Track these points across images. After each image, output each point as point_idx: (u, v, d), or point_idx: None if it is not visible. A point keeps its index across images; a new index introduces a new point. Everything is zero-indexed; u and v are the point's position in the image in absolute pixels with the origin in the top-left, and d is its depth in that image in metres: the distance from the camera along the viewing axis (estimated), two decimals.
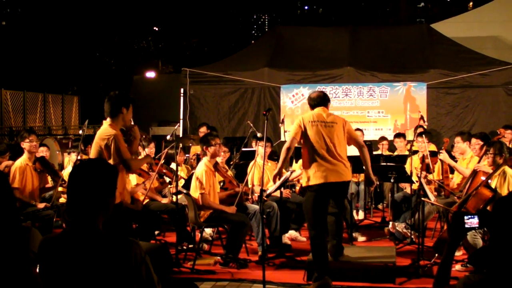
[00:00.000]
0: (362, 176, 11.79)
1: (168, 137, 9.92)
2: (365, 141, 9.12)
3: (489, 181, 8.18)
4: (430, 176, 10.41)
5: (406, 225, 9.97)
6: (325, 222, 7.77)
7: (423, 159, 10.52)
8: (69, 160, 11.86)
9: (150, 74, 29.60)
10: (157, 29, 46.52)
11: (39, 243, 3.62)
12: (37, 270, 3.65)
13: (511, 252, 3.26)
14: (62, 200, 10.85)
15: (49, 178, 10.47)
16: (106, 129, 6.93)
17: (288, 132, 8.41)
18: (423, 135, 10.74)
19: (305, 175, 7.77)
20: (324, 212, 7.76)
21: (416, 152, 11.22)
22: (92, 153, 7.03)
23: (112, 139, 6.80)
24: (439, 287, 3.63)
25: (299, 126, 7.78)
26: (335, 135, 7.72)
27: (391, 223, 10.32)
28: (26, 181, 9.67)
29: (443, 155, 10.14)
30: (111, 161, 6.77)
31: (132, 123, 7.27)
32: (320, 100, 7.98)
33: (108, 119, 7.03)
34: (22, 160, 9.74)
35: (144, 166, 9.98)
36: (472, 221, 3.63)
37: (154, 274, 3.58)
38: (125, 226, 6.97)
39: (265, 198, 9.64)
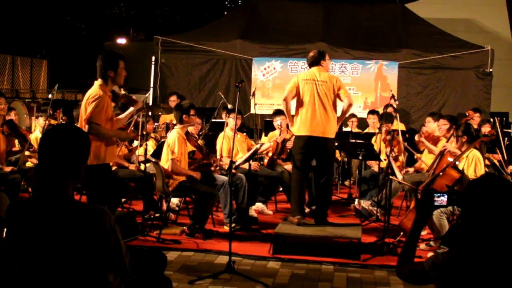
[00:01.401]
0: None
1: None
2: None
3: (457, 162, 8.26)
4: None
5: (372, 203, 10.04)
6: (305, 170, 8.78)
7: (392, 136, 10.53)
8: (37, 124, 11.73)
9: (121, 41, 29.36)
10: None
11: (7, 207, 3.57)
12: (4, 235, 3.60)
13: (480, 232, 3.28)
14: (29, 164, 10.72)
15: (16, 142, 10.34)
16: (94, 89, 7.00)
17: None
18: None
19: (295, 125, 8.67)
20: (306, 161, 8.71)
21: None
22: (81, 114, 7.02)
23: (94, 99, 6.85)
24: (403, 264, 3.65)
25: (294, 83, 8.63)
26: (325, 93, 8.49)
27: (357, 200, 10.40)
28: None
29: (423, 138, 10.21)
30: (84, 121, 6.86)
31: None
32: (314, 60, 8.82)
33: (99, 80, 7.06)
34: None
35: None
36: (441, 199, 3.65)
37: (123, 244, 3.56)
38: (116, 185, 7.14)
39: (234, 171, 9.63)
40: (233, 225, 8.68)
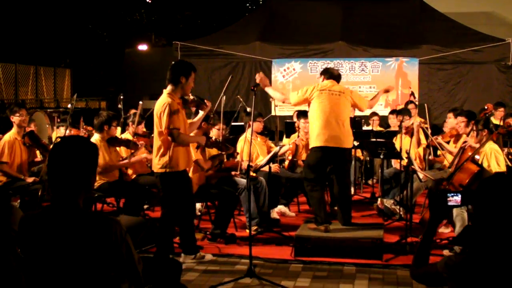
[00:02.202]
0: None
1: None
2: (355, 117, 9.39)
3: (476, 156, 8.18)
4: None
5: (394, 201, 9.96)
6: (322, 180, 8.65)
7: (411, 134, 10.44)
8: (58, 134, 11.78)
9: (143, 47, 29.45)
10: (150, 1, 46.20)
11: (20, 220, 3.58)
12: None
13: (493, 232, 3.23)
14: None
15: (38, 152, 10.41)
16: (162, 98, 7.23)
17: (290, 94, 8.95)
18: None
19: (310, 136, 8.57)
20: (322, 172, 8.56)
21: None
22: (155, 126, 7.27)
23: (164, 108, 7.07)
24: (418, 266, 3.61)
25: (304, 94, 8.54)
26: (340, 105, 8.39)
27: (379, 199, 10.33)
28: (15, 155, 9.60)
29: (440, 139, 10.15)
30: (162, 129, 7.11)
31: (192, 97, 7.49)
32: (336, 76, 8.73)
33: (168, 87, 7.29)
34: (11, 134, 9.66)
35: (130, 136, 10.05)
36: (455, 199, 3.60)
37: (135, 253, 3.56)
38: (187, 193, 7.45)
39: (253, 174, 9.63)
40: (253, 228, 8.70)
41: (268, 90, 8.83)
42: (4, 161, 9.40)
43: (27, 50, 32.36)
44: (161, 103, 7.16)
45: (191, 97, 7.56)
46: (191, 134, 7.90)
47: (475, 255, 3.22)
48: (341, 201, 8.71)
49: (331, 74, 8.70)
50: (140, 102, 11.00)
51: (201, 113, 7.81)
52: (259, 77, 8.40)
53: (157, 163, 7.28)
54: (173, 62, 7.49)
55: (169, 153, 7.18)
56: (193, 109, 8.27)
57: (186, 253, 7.65)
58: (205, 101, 7.79)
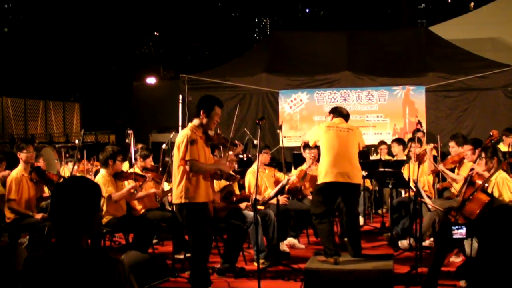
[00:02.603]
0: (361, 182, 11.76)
1: (163, 146, 9.89)
2: (364, 146, 9.43)
3: (486, 185, 8.13)
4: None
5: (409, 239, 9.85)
6: (330, 214, 8.60)
7: (419, 162, 10.41)
8: (66, 170, 11.79)
9: (151, 80, 29.54)
10: (158, 34, 46.50)
11: (23, 261, 3.57)
12: None
13: (497, 265, 3.19)
14: None
15: (46, 188, 10.40)
16: (184, 130, 7.37)
17: (304, 135, 9.14)
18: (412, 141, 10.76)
19: (319, 172, 8.58)
20: (330, 206, 8.59)
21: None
22: (174, 159, 7.33)
23: (183, 139, 7.12)
24: None
25: (315, 133, 8.73)
26: (349, 140, 8.50)
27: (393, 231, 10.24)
28: (23, 192, 9.61)
29: (441, 167, 10.15)
30: (181, 161, 7.12)
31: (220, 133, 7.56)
32: (344, 115, 8.84)
33: (193, 121, 7.39)
34: (18, 170, 9.69)
35: (138, 170, 10.06)
36: (460, 232, 3.57)
37: None
38: (204, 227, 7.33)
39: (261, 207, 9.61)
40: (261, 261, 8.67)
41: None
42: (12, 198, 9.42)
43: (36, 84, 32.59)
44: (181, 135, 7.23)
45: (213, 133, 7.57)
46: None
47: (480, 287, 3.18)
48: (350, 233, 8.69)
49: (340, 113, 8.82)
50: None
51: (230, 153, 7.83)
52: None
53: (176, 194, 7.28)
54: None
55: (187, 184, 7.17)
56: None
57: None
58: (236, 142, 7.77)
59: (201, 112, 7.30)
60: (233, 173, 9.09)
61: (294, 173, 11.28)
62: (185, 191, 7.17)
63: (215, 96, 7.72)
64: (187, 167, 7.11)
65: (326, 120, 9.00)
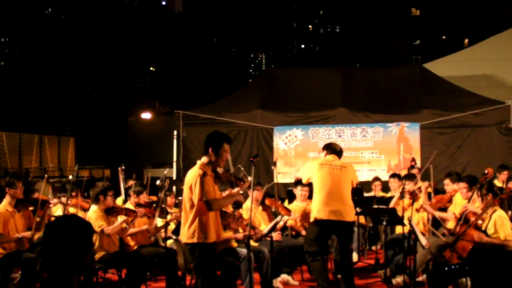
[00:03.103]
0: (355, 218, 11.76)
1: (157, 182, 9.90)
2: (356, 184, 9.46)
3: (480, 222, 8.15)
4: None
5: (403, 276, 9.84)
6: (323, 252, 8.82)
7: (413, 199, 10.43)
8: (59, 205, 11.71)
9: (146, 115, 29.58)
10: (153, 69, 46.70)
11: None
12: None
13: None
14: None
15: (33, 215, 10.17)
16: (194, 169, 7.25)
17: (299, 171, 9.22)
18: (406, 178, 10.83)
19: (312, 210, 8.77)
20: (323, 244, 8.87)
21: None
22: (184, 198, 7.28)
23: (196, 180, 7.05)
24: None
25: (310, 170, 8.85)
26: (342, 178, 8.63)
27: (393, 280, 10.21)
28: (9, 228, 9.51)
29: (426, 206, 10.21)
30: (194, 201, 7.06)
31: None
32: (334, 151, 9.02)
33: (202, 158, 7.31)
34: (2, 206, 9.59)
35: (132, 206, 10.07)
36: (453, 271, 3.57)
37: None
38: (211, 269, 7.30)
39: (254, 243, 9.60)
40: None
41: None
42: None
43: (31, 118, 32.63)
44: (193, 175, 7.14)
45: (222, 171, 7.55)
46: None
47: None
48: (343, 269, 8.70)
49: (333, 150, 8.97)
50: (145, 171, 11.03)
51: (236, 189, 7.81)
52: None
53: (187, 234, 7.22)
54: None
55: (200, 224, 7.13)
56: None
57: None
58: (244, 178, 7.78)
59: (210, 149, 7.25)
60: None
61: (291, 207, 11.27)
62: (199, 231, 7.12)
63: (222, 132, 7.67)
64: (207, 207, 7.04)
65: (320, 156, 9.06)
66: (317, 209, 8.49)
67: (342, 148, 9.21)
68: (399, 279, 9.85)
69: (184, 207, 7.37)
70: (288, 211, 10.81)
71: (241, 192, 7.70)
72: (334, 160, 8.70)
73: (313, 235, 8.57)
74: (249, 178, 8.36)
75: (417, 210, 10.53)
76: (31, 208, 9.88)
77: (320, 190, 8.49)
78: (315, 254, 8.49)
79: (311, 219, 8.67)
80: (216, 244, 7.48)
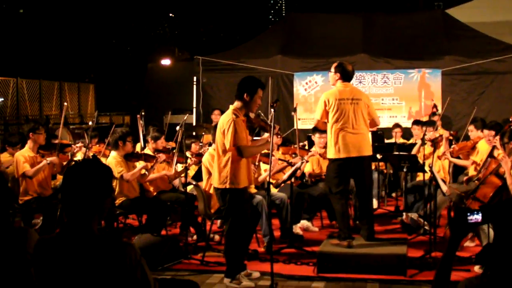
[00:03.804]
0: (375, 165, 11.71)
1: (177, 128, 9.85)
2: (378, 129, 9.31)
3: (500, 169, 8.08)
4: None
5: (419, 215, 9.85)
6: (345, 192, 8.53)
7: (434, 146, 10.31)
8: (79, 152, 11.73)
9: (165, 62, 29.49)
10: (173, 15, 46.41)
11: (35, 244, 3.56)
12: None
13: None
14: None
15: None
16: (227, 114, 7.27)
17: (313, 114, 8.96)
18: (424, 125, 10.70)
19: (328, 147, 8.45)
20: (344, 183, 8.43)
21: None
22: (217, 141, 7.32)
23: (229, 125, 7.08)
24: (438, 285, 3.51)
25: (324, 107, 8.36)
26: (359, 111, 8.31)
27: (404, 214, 10.21)
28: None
29: (447, 153, 10.13)
30: (226, 146, 7.12)
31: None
32: (348, 76, 8.53)
33: (235, 103, 7.35)
34: (25, 151, 9.64)
35: (150, 152, 10.05)
36: (476, 217, 3.51)
37: (151, 276, 3.51)
38: (244, 213, 7.38)
39: (276, 189, 9.60)
40: (264, 244, 8.89)
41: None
42: (29, 174, 9.37)
43: (51, 66, 32.59)
44: (226, 120, 7.17)
45: (254, 116, 7.52)
46: None
47: (497, 277, 3.14)
48: (363, 215, 8.64)
49: (347, 75, 8.54)
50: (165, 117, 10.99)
51: (265, 135, 7.78)
52: None
53: (218, 179, 7.28)
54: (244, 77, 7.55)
55: (232, 169, 7.18)
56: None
57: (225, 275, 7.56)
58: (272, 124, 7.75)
59: (245, 94, 7.27)
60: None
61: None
62: (231, 177, 7.18)
63: (256, 78, 7.69)
64: (238, 153, 7.09)
65: (330, 75, 8.75)
66: (334, 146, 8.31)
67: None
68: (412, 215, 9.84)
69: (216, 152, 7.37)
70: (307, 151, 10.76)
71: (267, 137, 7.62)
72: (350, 91, 8.45)
73: (332, 173, 8.43)
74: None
75: (439, 157, 10.44)
76: (53, 156, 9.84)
77: (338, 127, 8.26)
78: (338, 194, 8.39)
79: (328, 156, 8.50)
80: (248, 189, 7.50)
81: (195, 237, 9.65)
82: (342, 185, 8.38)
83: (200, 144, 11.82)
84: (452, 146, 10.62)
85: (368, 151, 8.45)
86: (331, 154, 8.35)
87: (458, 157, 10.54)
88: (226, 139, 7.10)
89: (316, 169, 10.89)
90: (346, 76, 8.51)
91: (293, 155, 10.59)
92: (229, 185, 7.19)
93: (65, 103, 11.38)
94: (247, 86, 7.32)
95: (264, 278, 7.62)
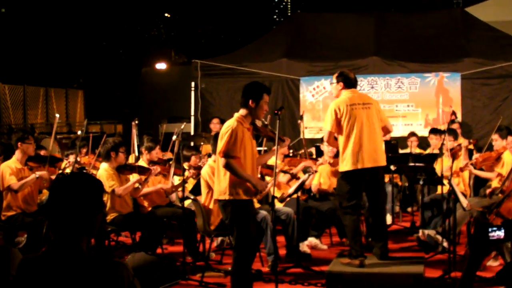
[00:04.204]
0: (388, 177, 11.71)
1: (173, 137, 9.87)
2: (391, 139, 9.30)
3: None
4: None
5: (437, 232, 9.85)
6: (357, 206, 8.51)
7: (453, 156, 10.30)
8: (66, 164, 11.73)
9: (161, 66, 29.49)
10: (169, 15, 46.44)
11: (18, 264, 3.55)
12: None
13: None
14: None
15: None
16: (230, 121, 7.30)
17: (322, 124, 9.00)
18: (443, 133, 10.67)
19: (341, 159, 8.42)
20: (357, 197, 8.44)
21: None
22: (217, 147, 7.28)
23: (227, 131, 7.10)
24: None
25: (335, 116, 8.36)
26: (372, 117, 8.35)
27: (420, 230, 10.20)
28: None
29: (469, 165, 10.14)
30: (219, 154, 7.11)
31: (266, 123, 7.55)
32: (352, 83, 8.58)
33: (240, 111, 7.37)
34: (12, 162, 9.60)
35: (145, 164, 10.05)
36: (498, 234, 3.51)
37: None
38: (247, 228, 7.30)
39: (279, 204, 9.58)
40: (269, 263, 8.86)
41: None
42: (14, 188, 9.34)
43: (36, 70, 32.56)
44: (226, 126, 7.20)
45: (261, 124, 7.53)
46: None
47: None
48: (376, 232, 8.64)
49: (350, 83, 8.58)
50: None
51: (274, 148, 7.80)
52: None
53: (219, 190, 7.29)
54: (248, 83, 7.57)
55: (233, 179, 7.17)
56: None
57: None
58: (282, 137, 7.74)
59: (250, 101, 7.29)
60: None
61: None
62: (230, 187, 7.16)
63: (261, 83, 7.78)
64: (221, 162, 7.09)
65: (332, 86, 8.83)
66: (348, 158, 8.30)
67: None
68: (429, 232, 9.85)
69: (216, 161, 7.40)
70: (315, 161, 10.75)
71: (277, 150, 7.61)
72: (360, 96, 8.54)
73: (345, 187, 8.42)
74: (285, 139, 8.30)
75: (461, 169, 10.44)
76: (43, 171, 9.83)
77: (352, 136, 8.30)
78: (349, 208, 8.39)
79: (341, 169, 8.47)
80: (252, 201, 7.51)
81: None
82: (355, 199, 8.38)
83: (199, 155, 11.81)
84: (475, 157, 10.61)
85: (383, 160, 8.50)
86: (345, 165, 8.34)
87: (481, 169, 10.54)
88: (219, 144, 7.14)
89: (324, 183, 10.89)
90: (349, 84, 8.55)
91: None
92: (228, 196, 7.17)
93: (57, 115, 11.35)
94: (252, 92, 7.35)
95: None
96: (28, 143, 9.68)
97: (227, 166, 7.07)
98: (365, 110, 8.34)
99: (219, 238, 10.16)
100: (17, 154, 9.67)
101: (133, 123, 11.90)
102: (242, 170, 7.22)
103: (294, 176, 9.87)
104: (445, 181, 9.44)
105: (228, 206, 7.24)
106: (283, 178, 10.23)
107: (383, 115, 8.63)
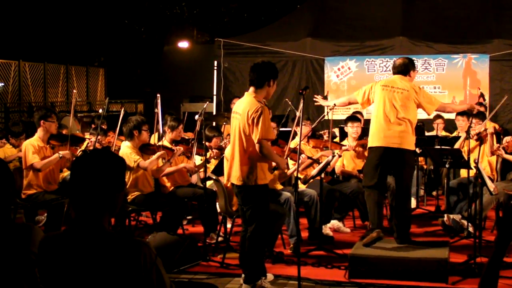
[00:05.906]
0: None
1: (196, 117, 9.87)
2: (418, 121, 9.28)
3: None
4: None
5: (462, 216, 9.81)
6: (382, 184, 8.72)
7: (480, 140, 10.23)
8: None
9: (183, 44, 29.43)
10: None
11: (40, 242, 3.56)
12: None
13: None
14: None
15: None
16: (252, 102, 7.13)
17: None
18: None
19: (369, 136, 8.71)
20: (381, 176, 8.59)
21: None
22: (240, 130, 7.19)
23: (259, 113, 7.01)
24: None
25: (365, 90, 8.84)
26: (403, 102, 8.44)
27: (446, 215, 10.16)
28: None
29: (500, 149, 10.08)
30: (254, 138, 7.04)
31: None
32: (402, 69, 8.77)
33: (251, 89, 7.27)
34: (34, 140, 9.62)
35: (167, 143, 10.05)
36: None
37: (167, 279, 3.49)
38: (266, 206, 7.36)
39: (304, 186, 9.57)
40: (291, 246, 8.94)
41: (332, 102, 9.67)
42: (37, 167, 9.37)
43: (56, 48, 32.54)
44: (254, 108, 7.05)
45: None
46: None
47: None
48: (398, 215, 8.62)
49: (400, 70, 8.78)
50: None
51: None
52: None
53: (239, 174, 7.23)
54: (258, 62, 7.47)
55: (261, 165, 7.19)
56: None
57: (244, 281, 7.51)
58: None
59: (271, 81, 7.30)
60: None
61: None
62: (255, 172, 7.14)
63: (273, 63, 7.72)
64: (260, 148, 7.02)
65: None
66: (372, 135, 8.52)
67: (405, 63, 8.86)
68: (454, 216, 9.82)
69: (234, 144, 7.36)
70: (340, 146, 10.74)
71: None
72: (398, 80, 8.61)
73: (369, 163, 8.63)
74: (297, 113, 8.29)
75: (492, 153, 10.37)
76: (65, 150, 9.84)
77: (377, 115, 8.40)
78: (372, 187, 8.44)
79: (368, 146, 8.70)
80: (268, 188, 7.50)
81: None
82: (377, 178, 8.43)
83: (221, 137, 11.77)
84: (506, 140, 10.53)
85: (409, 144, 8.53)
86: (371, 141, 8.59)
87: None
88: (256, 130, 6.99)
89: (347, 165, 10.87)
90: (400, 71, 8.78)
91: (324, 149, 10.58)
92: (254, 182, 7.15)
93: (74, 91, 11.40)
94: (272, 72, 7.34)
95: (290, 284, 7.64)
96: (51, 121, 9.69)
97: (266, 150, 7.04)
98: (398, 94, 8.49)
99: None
100: (39, 132, 9.68)
101: (157, 100, 11.87)
102: (275, 155, 7.37)
103: (317, 161, 9.84)
104: (472, 165, 9.40)
105: (250, 192, 7.23)
106: (306, 163, 10.21)
107: (421, 98, 8.67)
